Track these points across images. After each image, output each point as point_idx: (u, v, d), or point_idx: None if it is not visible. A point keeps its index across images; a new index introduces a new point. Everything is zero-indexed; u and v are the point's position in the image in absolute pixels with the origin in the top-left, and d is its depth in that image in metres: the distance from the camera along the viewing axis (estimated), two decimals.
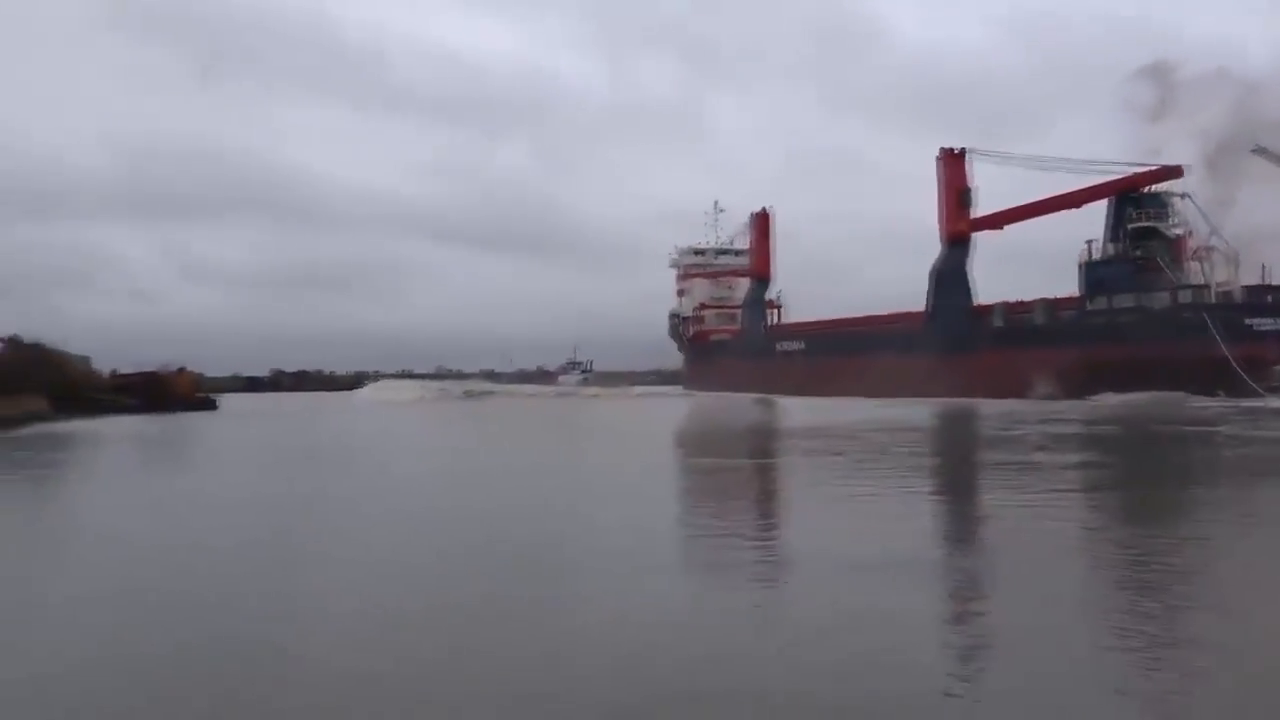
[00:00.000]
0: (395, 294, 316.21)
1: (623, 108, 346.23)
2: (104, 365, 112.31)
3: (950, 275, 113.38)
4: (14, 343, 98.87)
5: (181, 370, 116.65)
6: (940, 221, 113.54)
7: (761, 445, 49.81)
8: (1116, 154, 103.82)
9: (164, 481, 37.10)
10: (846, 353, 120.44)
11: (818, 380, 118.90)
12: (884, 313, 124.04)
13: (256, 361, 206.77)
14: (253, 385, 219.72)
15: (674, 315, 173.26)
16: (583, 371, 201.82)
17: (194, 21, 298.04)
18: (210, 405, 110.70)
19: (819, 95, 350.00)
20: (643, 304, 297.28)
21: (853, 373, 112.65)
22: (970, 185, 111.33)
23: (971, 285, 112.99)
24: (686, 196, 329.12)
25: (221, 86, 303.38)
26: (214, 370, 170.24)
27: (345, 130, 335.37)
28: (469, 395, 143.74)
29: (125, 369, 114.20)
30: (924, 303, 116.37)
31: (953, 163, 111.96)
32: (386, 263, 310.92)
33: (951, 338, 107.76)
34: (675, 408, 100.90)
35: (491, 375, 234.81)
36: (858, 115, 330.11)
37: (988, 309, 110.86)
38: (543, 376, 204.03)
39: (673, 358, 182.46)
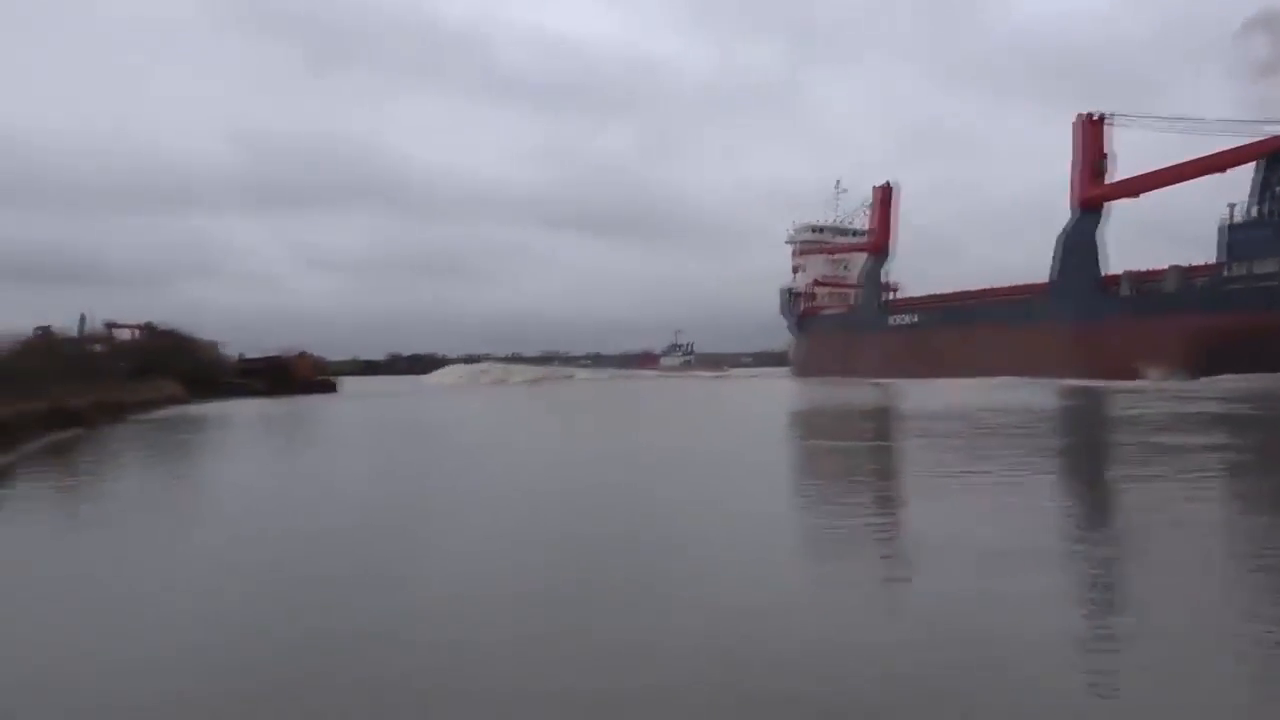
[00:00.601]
0: (504, 279, 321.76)
1: (726, 88, 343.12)
2: (232, 350, 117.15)
3: (1079, 243, 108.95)
4: (150, 329, 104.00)
5: (303, 354, 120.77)
6: (1072, 188, 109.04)
7: (878, 429, 48.46)
8: (1243, 117, 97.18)
9: (292, 456, 38.19)
10: (963, 325, 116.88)
11: (932, 354, 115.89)
12: (1004, 285, 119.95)
13: (374, 345, 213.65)
14: (370, 369, 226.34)
15: (786, 290, 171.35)
16: (684, 354, 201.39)
17: (304, 18, 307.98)
18: (330, 388, 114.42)
19: (927, 68, 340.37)
20: (747, 285, 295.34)
21: (969, 346, 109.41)
22: (1108, 151, 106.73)
23: (1101, 254, 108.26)
24: (790, 175, 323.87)
25: (333, 80, 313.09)
26: (334, 354, 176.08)
27: (452, 119, 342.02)
28: (534, 383, 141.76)
29: (252, 354, 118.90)
30: (1045, 275, 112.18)
31: (1090, 129, 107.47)
32: (495, 248, 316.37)
33: (1077, 307, 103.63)
34: (784, 389, 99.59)
35: (598, 358, 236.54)
36: (968, 87, 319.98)
37: (1115, 279, 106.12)
38: (646, 360, 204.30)
39: (778, 339, 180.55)
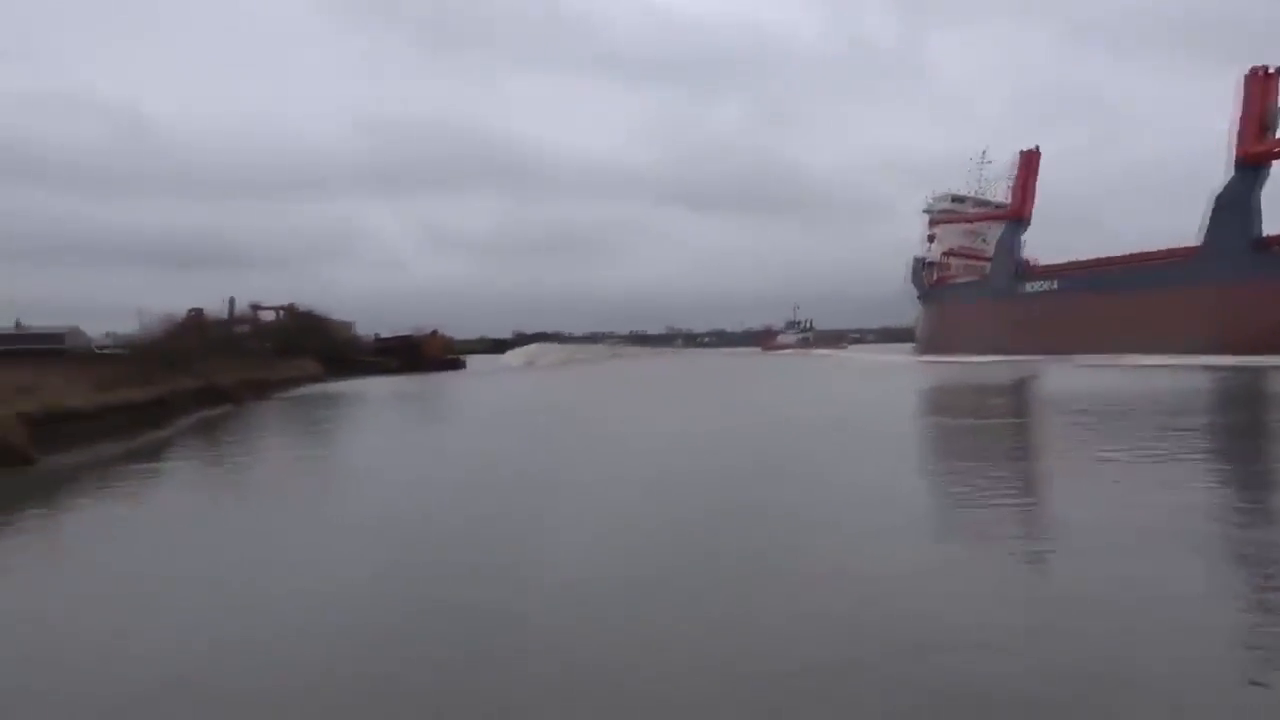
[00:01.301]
0: (625, 257, 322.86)
1: (840, 57, 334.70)
2: (366, 330, 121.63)
3: (1235, 203, 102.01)
4: (291, 311, 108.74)
5: (434, 334, 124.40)
6: (1232, 146, 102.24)
7: (1011, 405, 46.71)
8: None
9: (422, 429, 39.31)
10: (1105, 291, 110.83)
11: (1069, 323, 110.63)
12: (1147, 250, 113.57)
13: (501, 324, 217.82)
14: (497, 347, 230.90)
15: (918, 260, 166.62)
16: (802, 330, 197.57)
17: (423, 2, 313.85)
18: (459, 365, 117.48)
19: (1055, 29, 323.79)
20: (868, 259, 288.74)
21: (1111, 313, 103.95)
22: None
23: (1258, 215, 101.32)
24: (911, 145, 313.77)
25: (452, 63, 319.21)
26: (462, 333, 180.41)
27: (568, 97, 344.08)
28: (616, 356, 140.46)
29: (385, 333, 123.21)
30: (1189, 242, 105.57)
31: (1259, 83, 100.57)
32: (614, 226, 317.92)
33: (1231, 268, 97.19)
34: (903, 365, 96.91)
35: (721, 336, 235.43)
36: (1098, 48, 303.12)
37: (1273, 240, 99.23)
38: (765, 337, 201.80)
39: (902, 315, 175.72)
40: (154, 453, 30.90)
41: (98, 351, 77.70)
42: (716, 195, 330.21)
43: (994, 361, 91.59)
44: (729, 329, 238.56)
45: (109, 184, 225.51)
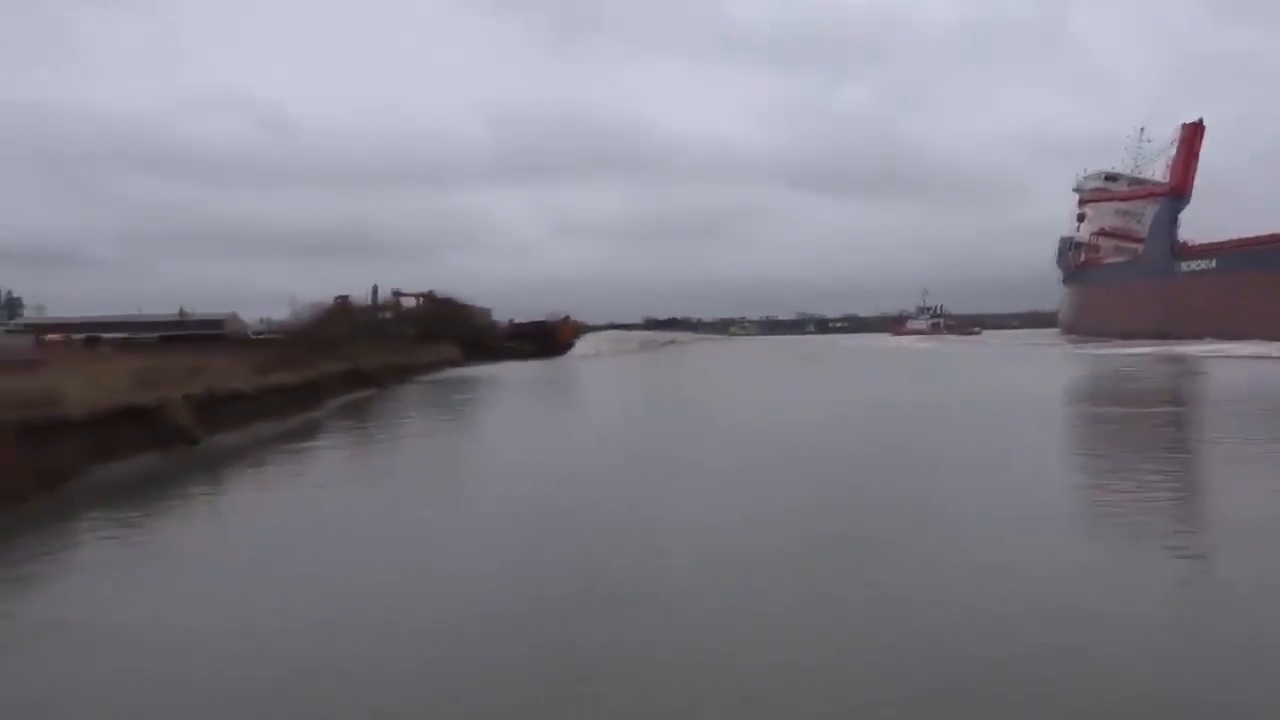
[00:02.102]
0: (752, 241, 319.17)
1: (974, 31, 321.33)
2: (501, 316, 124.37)
3: None
4: (430, 298, 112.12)
5: (566, 320, 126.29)
6: None
7: (1166, 395, 44.27)
8: None
9: (557, 412, 40.06)
10: (1273, 270, 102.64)
11: (1230, 305, 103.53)
12: None
13: (630, 310, 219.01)
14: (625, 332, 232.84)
15: (1066, 240, 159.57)
16: (933, 316, 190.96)
17: None
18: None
19: None
20: (1006, 241, 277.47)
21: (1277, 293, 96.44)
22: None
23: None
24: (1054, 122, 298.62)
25: (575, 49, 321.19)
26: (592, 319, 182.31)
27: (692, 81, 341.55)
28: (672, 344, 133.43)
29: (519, 319, 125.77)
30: None
31: None
32: (740, 211, 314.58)
33: None
34: (1043, 357, 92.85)
35: (854, 320, 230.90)
36: (1251, 16, 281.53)
37: None
38: (894, 323, 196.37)
39: (1046, 299, 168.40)
40: (307, 433, 32.44)
41: (253, 337, 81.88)
42: (847, 178, 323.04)
43: (1149, 346, 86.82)
44: (861, 314, 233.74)
45: (258, 178, 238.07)
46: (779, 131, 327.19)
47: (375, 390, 52.04)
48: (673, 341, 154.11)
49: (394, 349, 70.22)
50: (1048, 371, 58.81)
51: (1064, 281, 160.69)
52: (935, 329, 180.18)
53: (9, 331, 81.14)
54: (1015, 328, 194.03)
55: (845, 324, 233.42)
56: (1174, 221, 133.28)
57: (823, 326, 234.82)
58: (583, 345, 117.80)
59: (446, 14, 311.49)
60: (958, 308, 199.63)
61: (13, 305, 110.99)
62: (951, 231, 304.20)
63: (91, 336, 76.17)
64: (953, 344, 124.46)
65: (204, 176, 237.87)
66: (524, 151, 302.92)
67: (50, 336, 74.31)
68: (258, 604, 11.96)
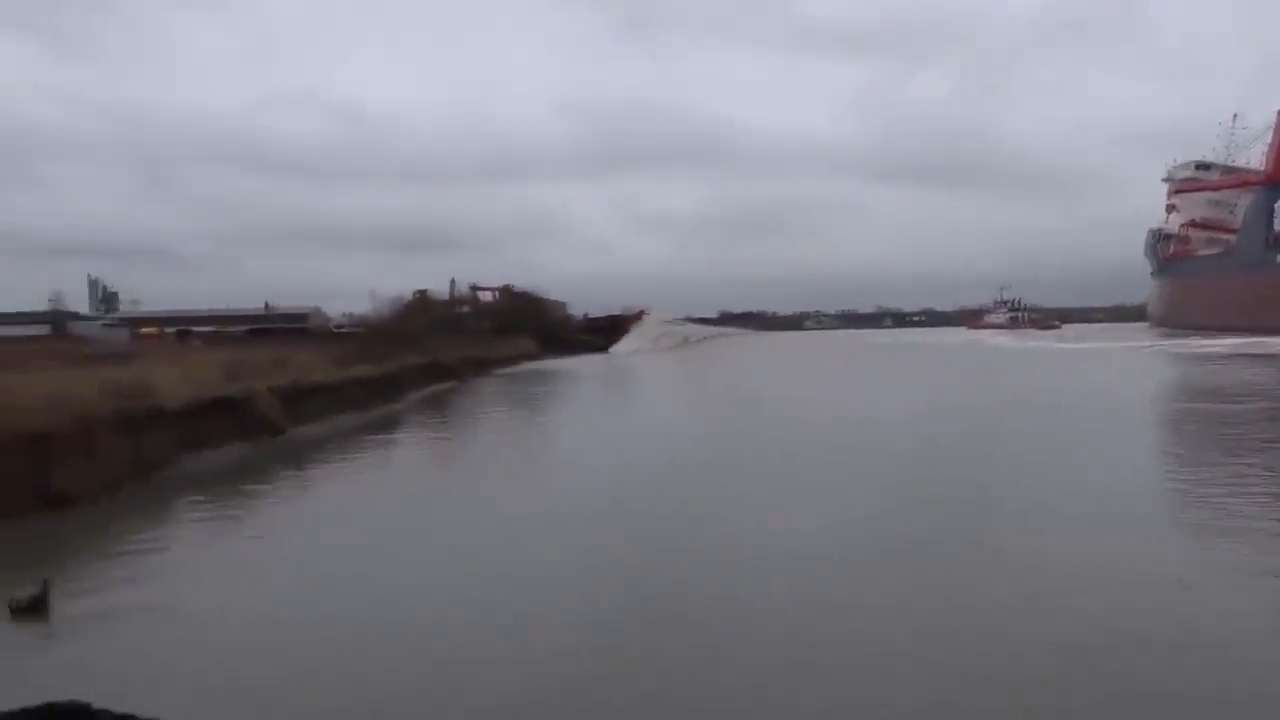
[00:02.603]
0: (829, 234, 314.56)
1: (1055, 15, 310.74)
2: (576, 310, 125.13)
3: None
4: (507, 291, 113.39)
5: (639, 314, 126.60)
6: None
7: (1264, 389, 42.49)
8: None
9: (634, 405, 40.16)
10: None
11: None
12: None
13: (706, 303, 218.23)
14: (701, 325, 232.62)
15: (1154, 232, 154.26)
16: (1011, 310, 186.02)
17: None
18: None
19: None
20: (1089, 233, 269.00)
21: None
22: None
23: None
24: (1137, 110, 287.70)
25: (648, 43, 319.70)
26: (670, 312, 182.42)
27: (765, 74, 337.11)
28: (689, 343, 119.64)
29: (594, 313, 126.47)
30: None
31: None
32: (816, 203, 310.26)
33: None
34: (1126, 356, 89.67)
35: (933, 314, 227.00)
36: None
37: None
38: (971, 317, 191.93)
39: (1134, 292, 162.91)
40: (388, 424, 33.10)
41: (335, 330, 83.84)
42: (925, 170, 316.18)
43: (1240, 339, 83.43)
44: (939, 307, 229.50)
45: (339, 175, 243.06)
46: (855, 123, 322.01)
47: (454, 383, 52.83)
48: (721, 335, 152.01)
49: (472, 342, 71.19)
50: (1121, 367, 56.93)
51: (1153, 275, 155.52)
52: (1014, 323, 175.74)
53: (107, 325, 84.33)
54: (1100, 321, 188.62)
55: (923, 318, 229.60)
56: (1270, 212, 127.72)
57: (900, 320, 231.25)
58: (627, 342, 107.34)
59: (521, 10, 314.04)
60: (1040, 301, 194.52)
61: (110, 299, 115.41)
62: (1033, 224, 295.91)
63: (183, 330, 78.88)
64: (1029, 339, 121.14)
65: (288, 173, 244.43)
66: (599, 145, 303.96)
67: (145, 330, 77.21)
68: (341, 588, 12.26)
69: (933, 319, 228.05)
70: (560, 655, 9.63)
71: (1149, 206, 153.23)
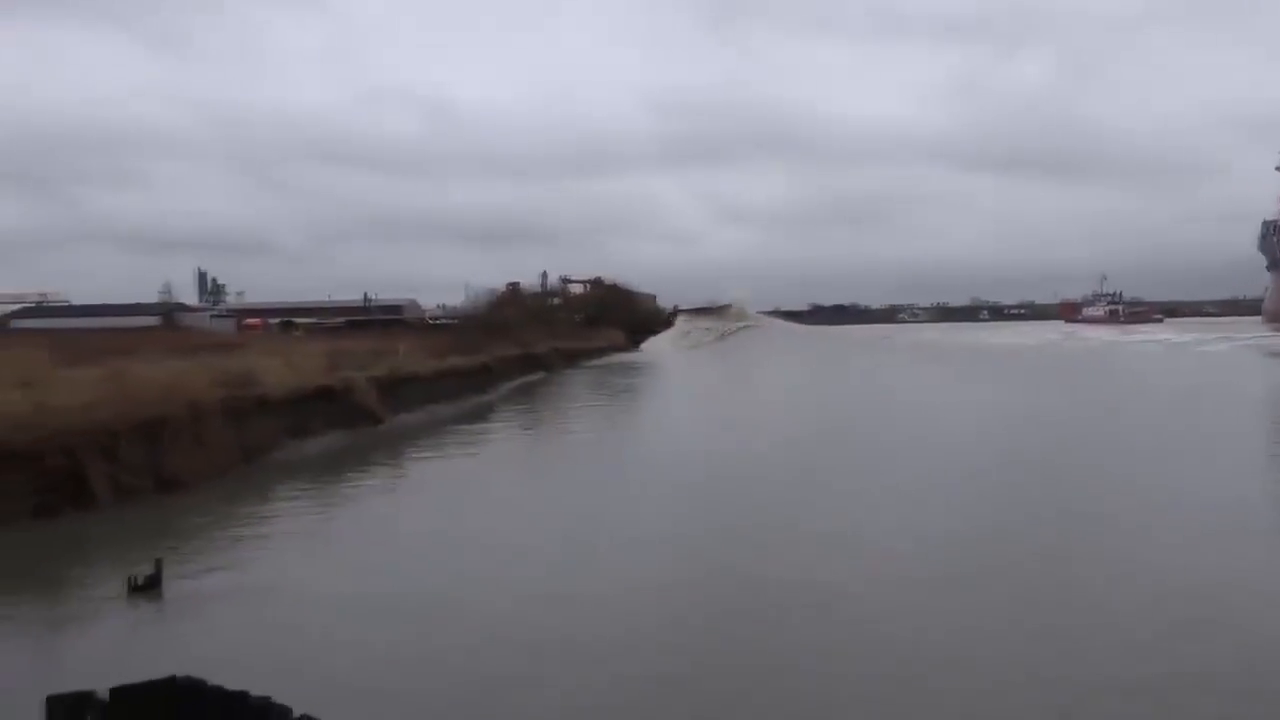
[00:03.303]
0: (923, 226, 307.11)
1: None
2: (665, 302, 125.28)
3: None
4: (598, 284, 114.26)
5: (727, 307, 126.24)
6: None
7: None
8: None
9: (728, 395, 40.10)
10: None
11: None
12: None
13: (795, 296, 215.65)
14: (791, 319, 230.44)
15: (1268, 224, 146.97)
16: (1110, 303, 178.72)
17: None
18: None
19: None
20: (1198, 223, 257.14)
21: None
22: None
23: None
24: (1251, 95, 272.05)
25: (732, 33, 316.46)
26: (758, 305, 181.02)
27: (852, 62, 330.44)
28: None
29: (683, 305, 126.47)
30: None
31: None
32: (908, 193, 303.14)
33: None
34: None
35: (1032, 307, 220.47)
36: None
37: None
38: (1067, 309, 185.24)
39: (1246, 285, 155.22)
40: (481, 414, 33.67)
41: (431, 322, 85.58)
42: (1022, 159, 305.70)
43: None
44: (1039, 300, 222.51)
45: (429, 169, 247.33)
46: (947, 111, 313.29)
47: (544, 374, 53.44)
48: (754, 327, 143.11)
49: (562, 334, 71.93)
50: (1224, 366, 54.39)
51: (1269, 268, 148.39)
52: (1112, 317, 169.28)
53: (214, 316, 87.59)
54: (1211, 315, 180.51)
55: (1023, 311, 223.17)
56: None
57: (997, 313, 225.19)
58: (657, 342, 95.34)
59: (607, 4, 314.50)
60: (1148, 295, 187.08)
61: (217, 291, 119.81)
62: (1136, 214, 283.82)
63: (286, 320, 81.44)
64: (1131, 333, 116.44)
65: (380, 168, 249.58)
66: (685, 138, 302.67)
67: (250, 321, 79.92)
68: (441, 573, 12.53)
69: (1032, 312, 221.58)
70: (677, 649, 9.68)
71: (1263, 196, 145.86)
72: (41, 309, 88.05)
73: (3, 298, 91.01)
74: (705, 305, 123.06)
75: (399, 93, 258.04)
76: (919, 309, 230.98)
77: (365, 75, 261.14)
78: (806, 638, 9.79)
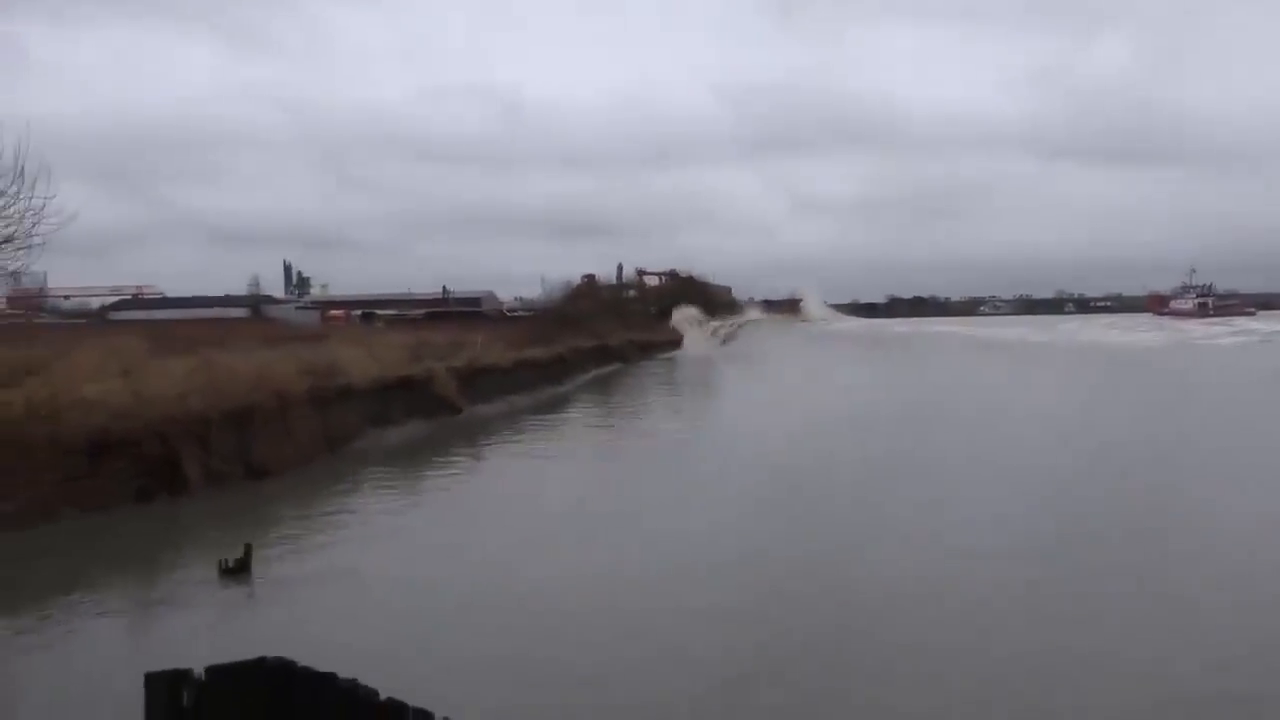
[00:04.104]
0: (1003, 216, 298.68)
1: None
2: (741, 294, 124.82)
3: None
4: (673, 276, 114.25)
5: (798, 299, 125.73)
6: None
7: None
8: None
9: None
10: None
11: None
12: None
13: (874, 288, 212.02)
14: (869, 311, 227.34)
15: None
16: (1199, 295, 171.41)
17: None
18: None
19: None
20: None
21: None
22: None
23: None
24: None
25: (806, 23, 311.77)
26: (834, 297, 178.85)
27: (929, 49, 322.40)
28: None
29: (759, 297, 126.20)
30: None
31: None
32: (990, 183, 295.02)
33: None
34: None
35: (1120, 300, 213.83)
36: None
37: None
38: (1155, 303, 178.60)
39: None
40: (557, 405, 33.98)
41: (507, 314, 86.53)
42: (1105, 146, 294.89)
43: None
44: (1127, 292, 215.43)
45: (501, 162, 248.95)
46: (1027, 98, 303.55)
47: (619, 365, 53.61)
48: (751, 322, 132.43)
49: (638, 326, 72.03)
50: None
51: None
52: (1201, 309, 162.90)
53: (299, 308, 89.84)
54: None
55: (1110, 303, 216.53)
56: None
57: (1083, 306, 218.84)
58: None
59: None
60: (1241, 286, 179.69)
61: (302, 283, 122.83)
62: (1230, 202, 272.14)
63: (367, 312, 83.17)
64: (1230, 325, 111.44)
65: (454, 162, 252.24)
66: (759, 128, 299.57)
67: (333, 312, 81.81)
68: (523, 561, 12.70)
69: (1119, 305, 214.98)
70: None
71: None
72: (138, 301, 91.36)
73: (101, 290, 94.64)
74: (786, 297, 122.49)
75: (471, 88, 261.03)
76: (1001, 301, 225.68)
77: (437, 71, 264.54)
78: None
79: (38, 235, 16.46)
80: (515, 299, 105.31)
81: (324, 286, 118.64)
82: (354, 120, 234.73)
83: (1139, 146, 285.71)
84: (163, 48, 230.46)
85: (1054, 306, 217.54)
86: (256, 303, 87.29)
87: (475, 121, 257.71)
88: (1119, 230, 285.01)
